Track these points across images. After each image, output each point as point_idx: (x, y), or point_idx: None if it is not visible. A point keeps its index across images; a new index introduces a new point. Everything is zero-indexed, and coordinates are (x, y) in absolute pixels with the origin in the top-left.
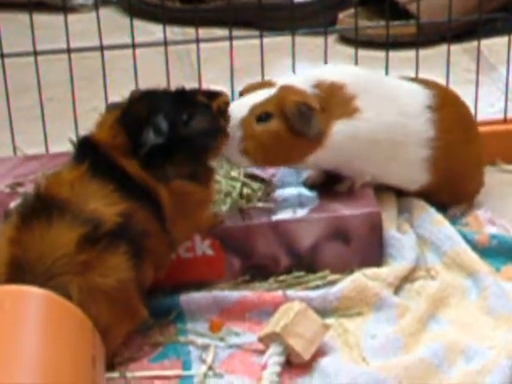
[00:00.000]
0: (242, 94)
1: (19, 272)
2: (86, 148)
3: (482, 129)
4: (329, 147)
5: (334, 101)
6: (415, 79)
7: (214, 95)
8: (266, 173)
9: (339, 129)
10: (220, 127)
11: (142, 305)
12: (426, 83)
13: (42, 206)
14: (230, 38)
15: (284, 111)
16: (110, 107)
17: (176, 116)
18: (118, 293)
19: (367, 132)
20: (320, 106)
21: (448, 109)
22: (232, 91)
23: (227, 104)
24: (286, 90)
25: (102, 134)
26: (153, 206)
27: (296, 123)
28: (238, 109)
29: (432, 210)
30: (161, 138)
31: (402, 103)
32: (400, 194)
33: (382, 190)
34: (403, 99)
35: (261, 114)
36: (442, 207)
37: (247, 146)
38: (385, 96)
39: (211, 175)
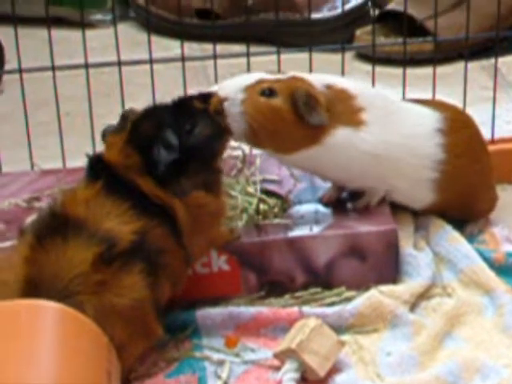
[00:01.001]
0: None
1: (34, 291)
2: (99, 167)
3: (498, 146)
4: (325, 148)
5: (342, 107)
6: (428, 102)
7: (207, 97)
8: (282, 189)
9: (341, 134)
10: (221, 127)
11: (157, 323)
12: (439, 106)
13: (58, 225)
14: (248, 54)
15: (292, 94)
16: (108, 130)
17: (180, 128)
18: (133, 312)
19: (367, 145)
20: (326, 105)
21: (458, 133)
22: None
23: (221, 102)
24: (296, 78)
25: (114, 156)
26: (168, 223)
27: (301, 107)
28: (245, 78)
29: (449, 228)
30: (173, 153)
31: (410, 125)
32: (417, 211)
33: (398, 206)
34: (411, 121)
35: (265, 89)
36: (459, 224)
37: (247, 109)
38: (392, 116)
39: (221, 178)
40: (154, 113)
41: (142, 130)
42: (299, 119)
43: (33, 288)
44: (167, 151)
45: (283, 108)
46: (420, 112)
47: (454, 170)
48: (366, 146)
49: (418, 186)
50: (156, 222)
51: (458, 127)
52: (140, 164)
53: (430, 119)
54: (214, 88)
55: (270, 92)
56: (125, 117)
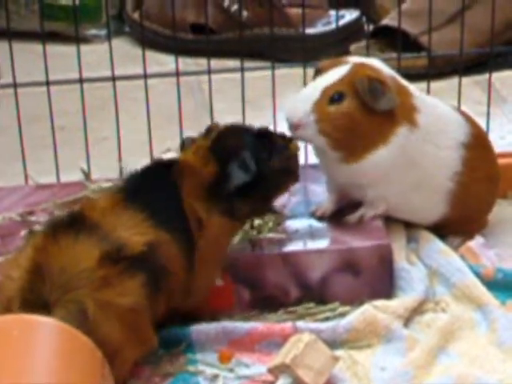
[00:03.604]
0: (317, 71)
1: (39, 280)
2: (154, 170)
3: None
4: (391, 148)
5: (403, 103)
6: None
7: (288, 139)
8: (276, 203)
9: (402, 133)
10: (293, 169)
11: (153, 333)
12: (466, 116)
13: (73, 223)
14: (242, 69)
15: (355, 87)
16: (188, 141)
17: (259, 153)
18: (131, 315)
19: (414, 150)
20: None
21: (478, 149)
22: (243, 122)
23: (298, 149)
24: (359, 66)
25: (195, 159)
26: (185, 240)
27: (366, 96)
28: (311, 92)
29: (438, 241)
30: (248, 176)
31: (446, 137)
32: (408, 224)
33: (390, 220)
34: (449, 132)
35: (333, 95)
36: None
37: (323, 128)
38: (438, 123)
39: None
40: (239, 131)
41: (225, 143)
42: (369, 114)
43: (38, 277)
44: (244, 172)
45: (352, 107)
46: (457, 123)
47: (469, 183)
48: (414, 151)
49: (433, 197)
50: (171, 237)
51: (479, 143)
52: (214, 173)
53: (460, 132)
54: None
55: (338, 96)
56: (210, 129)
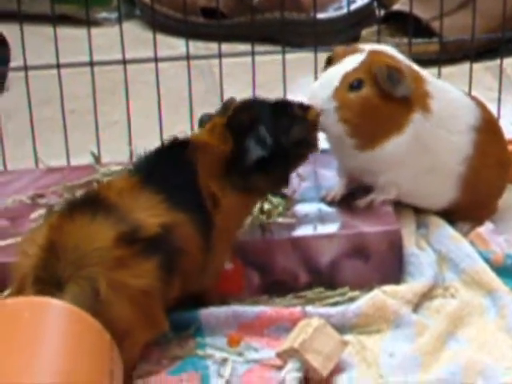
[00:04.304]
0: (329, 60)
1: (53, 257)
2: (169, 150)
3: None
4: (406, 136)
5: (417, 89)
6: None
7: (306, 108)
8: (287, 188)
9: (417, 119)
10: (312, 140)
11: (163, 316)
12: (476, 101)
13: (90, 203)
14: (253, 54)
15: (373, 74)
16: (205, 118)
17: (276, 126)
18: (143, 297)
19: (428, 137)
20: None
21: (488, 132)
22: None
23: (318, 117)
24: (376, 53)
25: (211, 137)
26: (201, 219)
27: (385, 84)
28: (330, 79)
29: (448, 227)
30: (265, 150)
31: (458, 121)
32: (417, 209)
33: (400, 205)
34: (460, 116)
35: (353, 82)
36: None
37: (343, 115)
38: (449, 107)
39: (282, 189)
40: (256, 105)
41: (241, 119)
42: (386, 101)
43: (52, 253)
44: (260, 147)
45: (371, 94)
46: (468, 107)
47: (479, 167)
48: (427, 137)
49: (444, 182)
50: (188, 218)
51: (489, 127)
52: (230, 150)
53: (471, 115)
54: (305, 96)
55: (357, 83)
56: (226, 105)
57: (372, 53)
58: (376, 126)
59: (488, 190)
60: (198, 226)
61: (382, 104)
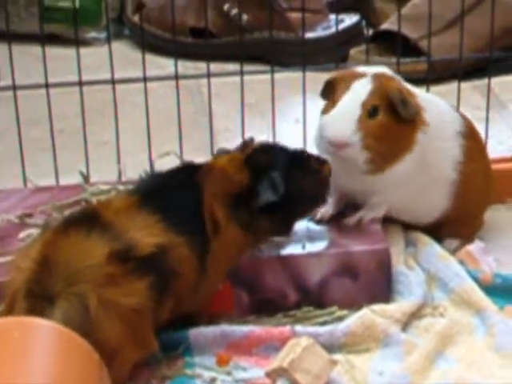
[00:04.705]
0: (329, 84)
1: (45, 271)
2: (179, 171)
3: (492, 166)
4: (414, 156)
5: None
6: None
7: (322, 162)
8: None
9: (420, 138)
10: (322, 194)
11: (153, 337)
12: (457, 111)
13: (86, 220)
14: (241, 73)
15: (387, 99)
16: (222, 151)
17: (290, 175)
18: (134, 316)
19: (426, 151)
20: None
21: (473, 139)
22: (242, 126)
23: (330, 174)
24: (382, 77)
25: (228, 166)
26: (199, 242)
27: (399, 107)
28: (351, 110)
29: (436, 245)
30: (276, 197)
31: (446, 127)
32: (406, 227)
33: (388, 222)
34: (448, 124)
35: (370, 109)
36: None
37: (368, 143)
38: (440, 117)
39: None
40: (275, 150)
41: (259, 159)
42: (398, 123)
43: (45, 268)
44: (272, 192)
45: (386, 119)
46: (452, 114)
47: (469, 173)
48: (427, 150)
49: (437, 192)
50: (184, 239)
51: (473, 134)
52: (244, 184)
53: (457, 122)
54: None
55: (373, 110)
56: (246, 144)
57: (378, 77)
58: (391, 149)
59: (477, 198)
60: (195, 248)
61: (396, 127)
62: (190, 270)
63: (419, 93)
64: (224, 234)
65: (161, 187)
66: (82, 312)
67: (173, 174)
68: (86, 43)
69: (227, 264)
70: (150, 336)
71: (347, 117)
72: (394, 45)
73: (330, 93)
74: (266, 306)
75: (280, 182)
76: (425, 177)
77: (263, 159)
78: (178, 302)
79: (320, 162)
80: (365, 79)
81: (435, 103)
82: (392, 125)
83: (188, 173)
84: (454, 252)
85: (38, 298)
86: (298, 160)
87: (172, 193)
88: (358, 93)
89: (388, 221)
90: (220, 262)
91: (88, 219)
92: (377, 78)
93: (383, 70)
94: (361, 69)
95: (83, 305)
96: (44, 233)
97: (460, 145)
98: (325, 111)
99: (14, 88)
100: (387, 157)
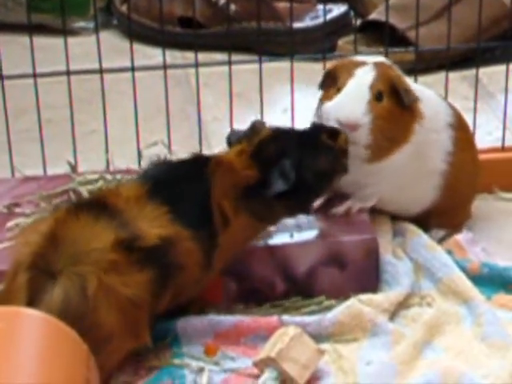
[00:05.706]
0: (328, 74)
1: (51, 247)
2: (188, 164)
3: (480, 157)
4: (411, 146)
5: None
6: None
7: (335, 134)
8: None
9: (417, 129)
10: (339, 169)
11: (147, 330)
12: (445, 101)
13: (97, 205)
14: (229, 63)
15: (390, 85)
16: (233, 136)
17: (302, 159)
18: (130, 306)
19: (423, 142)
20: None
21: (462, 129)
22: (231, 115)
23: (347, 143)
24: (383, 65)
25: (237, 160)
26: (205, 236)
27: (403, 94)
28: (360, 93)
29: (424, 235)
30: (287, 185)
31: (439, 119)
32: (394, 217)
33: (376, 213)
34: (440, 115)
35: (376, 94)
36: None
37: (377, 125)
38: (434, 109)
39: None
40: (283, 137)
41: (267, 151)
42: (401, 110)
43: (51, 243)
44: (283, 181)
45: (390, 105)
46: (443, 106)
47: (458, 163)
48: (423, 142)
49: (427, 183)
50: (191, 232)
51: (461, 125)
52: (253, 177)
53: (447, 113)
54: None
55: (379, 95)
56: (254, 127)
57: (380, 65)
58: (394, 135)
59: (465, 188)
60: (201, 242)
61: (399, 114)
62: (194, 264)
63: (412, 84)
64: (233, 226)
65: (171, 178)
66: (81, 293)
67: (183, 165)
68: (74, 33)
69: (232, 255)
70: (144, 328)
71: (357, 99)
72: (381, 35)
73: (332, 81)
74: (254, 296)
75: (290, 170)
76: (417, 168)
77: (271, 149)
78: (178, 294)
79: (334, 134)
80: (367, 66)
81: (427, 95)
82: (396, 110)
83: (198, 165)
84: (440, 241)
85: (40, 272)
86: (308, 141)
87: (181, 185)
88: (363, 78)
89: (376, 211)
90: (227, 254)
91: (98, 205)
92: (378, 65)
93: (381, 59)
94: (359, 58)
95: (83, 286)
96: (56, 211)
97: (450, 136)
98: (327, 98)
99: (2, 78)
100: (389, 143)
